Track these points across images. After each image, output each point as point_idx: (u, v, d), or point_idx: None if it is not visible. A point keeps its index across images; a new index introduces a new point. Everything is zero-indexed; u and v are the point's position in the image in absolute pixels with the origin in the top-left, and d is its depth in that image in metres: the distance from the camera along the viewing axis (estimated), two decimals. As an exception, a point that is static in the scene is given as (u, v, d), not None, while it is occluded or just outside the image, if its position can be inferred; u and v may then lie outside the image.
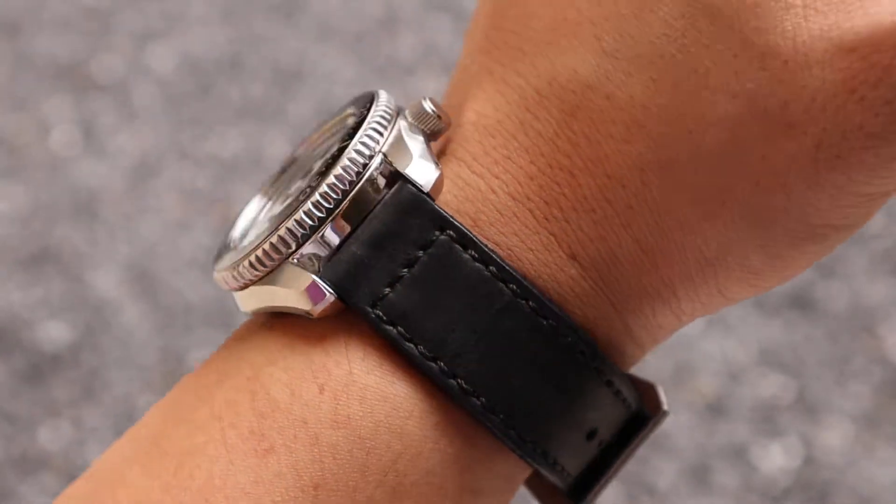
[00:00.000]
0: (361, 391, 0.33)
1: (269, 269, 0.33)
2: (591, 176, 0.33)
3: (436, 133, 0.33)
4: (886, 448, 1.00)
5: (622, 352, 0.34)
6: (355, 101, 0.35)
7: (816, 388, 1.04)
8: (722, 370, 1.05)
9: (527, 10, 0.34)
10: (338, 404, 0.32)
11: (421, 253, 0.32)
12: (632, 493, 0.99)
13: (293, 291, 0.32)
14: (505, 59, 0.34)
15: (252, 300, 0.34)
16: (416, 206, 0.32)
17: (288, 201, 0.33)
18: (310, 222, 0.32)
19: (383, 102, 0.33)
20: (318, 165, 0.33)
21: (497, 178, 0.33)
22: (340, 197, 0.32)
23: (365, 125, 0.32)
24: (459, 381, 0.33)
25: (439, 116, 0.33)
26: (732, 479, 0.99)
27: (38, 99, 1.24)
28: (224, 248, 0.35)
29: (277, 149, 1.22)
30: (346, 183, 0.32)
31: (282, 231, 0.32)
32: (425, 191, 0.32)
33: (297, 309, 0.32)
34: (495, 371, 0.33)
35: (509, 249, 0.33)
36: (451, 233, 0.32)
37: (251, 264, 0.32)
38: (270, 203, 0.36)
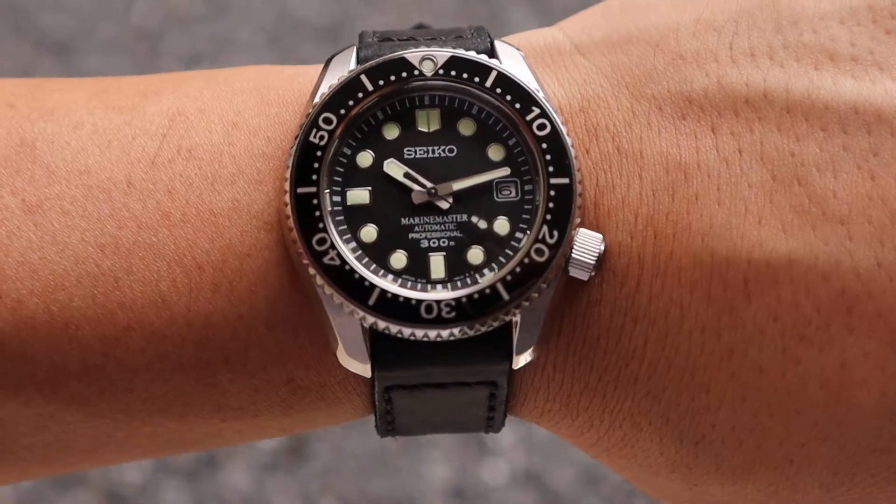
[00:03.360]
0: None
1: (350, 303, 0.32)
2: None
3: (573, 265, 0.33)
4: None
5: (531, 409, 0.36)
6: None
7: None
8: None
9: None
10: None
11: (461, 389, 0.33)
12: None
13: (346, 345, 0.32)
14: None
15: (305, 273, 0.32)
16: (494, 375, 0.32)
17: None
18: (467, 331, 0.31)
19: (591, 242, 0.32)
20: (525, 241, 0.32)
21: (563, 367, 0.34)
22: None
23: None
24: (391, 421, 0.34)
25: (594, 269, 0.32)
26: None
27: (86, 118, 1.25)
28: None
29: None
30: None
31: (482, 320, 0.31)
32: (515, 367, 0.32)
33: (335, 342, 0.32)
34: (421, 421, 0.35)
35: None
36: (497, 384, 0.33)
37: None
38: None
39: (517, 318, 0.32)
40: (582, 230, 0.32)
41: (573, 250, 0.31)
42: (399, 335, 0.31)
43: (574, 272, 0.32)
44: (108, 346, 0.31)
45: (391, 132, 0.33)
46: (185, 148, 0.33)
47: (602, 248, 0.31)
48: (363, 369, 0.32)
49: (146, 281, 0.32)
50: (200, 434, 0.34)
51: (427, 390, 0.33)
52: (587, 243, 0.31)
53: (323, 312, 0.32)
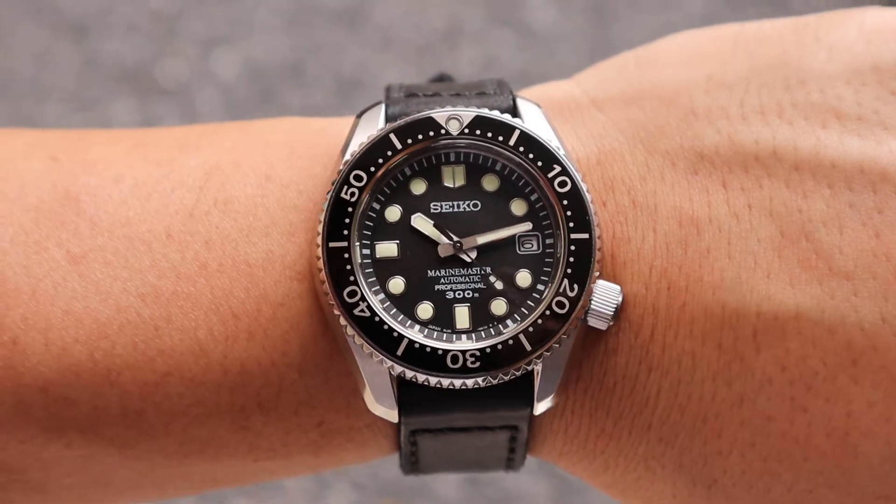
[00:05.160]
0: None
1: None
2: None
3: (592, 315, 0.34)
4: None
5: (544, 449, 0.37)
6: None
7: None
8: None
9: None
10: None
11: (483, 430, 0.34)
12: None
13: (375, 392, 0.33)
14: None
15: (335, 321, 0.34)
16: (516, 420, 0.34)
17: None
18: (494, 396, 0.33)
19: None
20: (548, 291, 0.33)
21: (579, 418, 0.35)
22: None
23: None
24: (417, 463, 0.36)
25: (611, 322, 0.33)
26: None
27: (104, 100, 1.25)
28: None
29: (336, 157, 1.22)
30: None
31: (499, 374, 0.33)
32: (535, 413, 0.33)
33: (364, 388, 0.33)
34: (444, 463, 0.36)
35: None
36: (518, 428, 0.34)
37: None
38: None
39: (538, 368, 0.33)
40: (601, 282, 0.33)
41: (592, 301, 0.33)
42: (426, 384, 0.33)
43: (593, 322, 0.33)
44: (147, 392, 0.33)
45: (418, 188, 0.34)
46: (221, 200, 0.34)
47: (620, 299, 0.33)
48: (391, 415, 0.33)
49: (185, 329, 0.33)
50: (233, 474, 0.35)
51: (451, 434, 0.34)
52: (606, 295, 0.33)
53: (352, 359, 0.33)
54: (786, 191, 0.32)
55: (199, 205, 0.34)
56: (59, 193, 0.34)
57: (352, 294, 0.33)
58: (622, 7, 1.31)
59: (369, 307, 0.33)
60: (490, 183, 0.34)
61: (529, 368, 0.33)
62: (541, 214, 0.34)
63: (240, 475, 0.36)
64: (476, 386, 0.32)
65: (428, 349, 0.32)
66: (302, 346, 0.33)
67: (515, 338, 0.33)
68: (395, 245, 0.33)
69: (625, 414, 0.33)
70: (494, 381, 0.33)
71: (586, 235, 0.33)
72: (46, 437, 0.33)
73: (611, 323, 0.33)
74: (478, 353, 0.32)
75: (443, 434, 0.34)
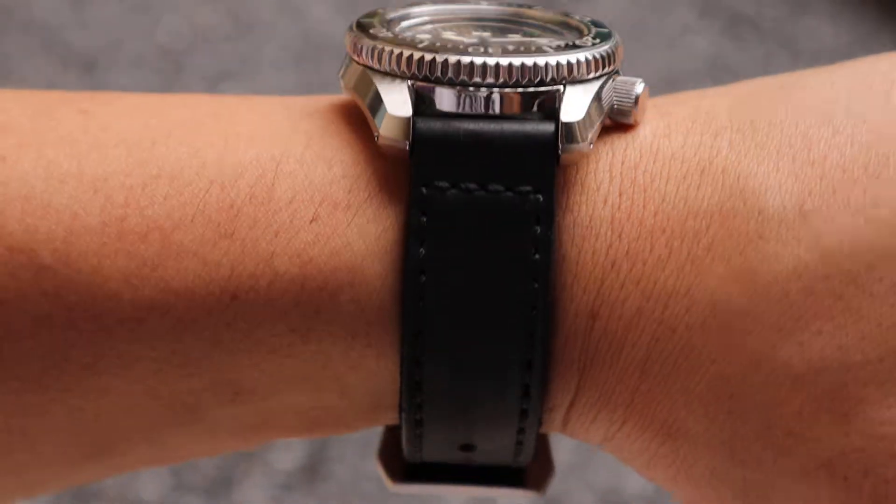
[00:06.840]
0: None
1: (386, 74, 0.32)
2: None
3: (617, 114, 0.33)
4: None
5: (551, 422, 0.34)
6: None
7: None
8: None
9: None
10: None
11: (504, 189, 0.31)
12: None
13: (394, 102, 0.32)
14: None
15: (352, 79, 0.34)
16: (542, 154, 0.31)
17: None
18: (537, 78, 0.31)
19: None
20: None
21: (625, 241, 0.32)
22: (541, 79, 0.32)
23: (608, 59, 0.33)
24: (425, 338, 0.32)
25: (633, 108, 0.33)
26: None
27: (111, 134, 1.26)
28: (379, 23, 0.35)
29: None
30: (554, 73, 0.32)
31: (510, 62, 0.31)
32: (559, 156, 0.31)
33: (366, 117, 0.32)
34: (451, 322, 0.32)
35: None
36: (542, 200, 0.31)
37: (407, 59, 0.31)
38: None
39: (560, 89, 0.32)
40: (619, 77, 0.34)
41: (614, 97, 0.33)
42: (443, 68, 0.31)
43: (616, 117, 0.33)
44: (132, 196, 0.32)
45: None
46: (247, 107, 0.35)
47: (640, 89, 0.33)
48: (403, 115, 0.32)
49: (183, 140, 0.33)
50: (208, 368, 0.33)
51: (463, 202, 0.31)
52: (624, 88, 0.33)
53: (367, 90, 0.33)
54: None
55: (224, 100, 0.35)
56: (73, 110, 0.34)
57: (375, 35, 0.34)
58: (629, 44, 1.31)
59: (395, 33, 0.34)
60: None
61: (550, 85, 0.32)
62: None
63: (218, 368, 0.32)
64: (496, 61, 0.31)
65: (450, 44, 0.33)
66: (308, 140, 0.32)
67: (537, 43, 0.33)
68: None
69: (691, 170, 0.32)
70: (517, 66, 0.31)
71: (606, 30, 0.35)
72: (15, 263, 0.31)
73: (635, 108, 0.32)
74: (500, 47, 0.32)
75: (455, 198, 0.31)
